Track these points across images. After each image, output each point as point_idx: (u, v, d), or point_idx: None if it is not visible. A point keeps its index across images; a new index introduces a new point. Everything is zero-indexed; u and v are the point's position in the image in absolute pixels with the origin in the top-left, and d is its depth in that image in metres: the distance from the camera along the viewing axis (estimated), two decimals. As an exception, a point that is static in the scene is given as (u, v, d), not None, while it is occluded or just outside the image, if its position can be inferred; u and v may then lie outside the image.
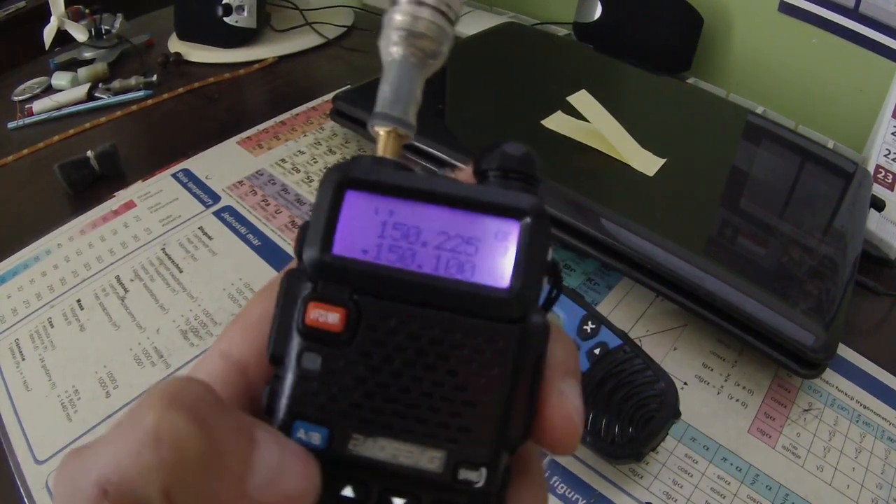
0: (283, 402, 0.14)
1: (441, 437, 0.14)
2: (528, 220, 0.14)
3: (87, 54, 0.76)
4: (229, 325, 0.16)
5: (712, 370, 0.41)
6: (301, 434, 0.14)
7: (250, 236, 0.51)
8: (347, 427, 0.14)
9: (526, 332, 0.14)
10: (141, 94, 0.69)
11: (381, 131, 0.16)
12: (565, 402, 0.15)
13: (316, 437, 0.14)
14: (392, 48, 0.17)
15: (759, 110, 0.68)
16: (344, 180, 0.14)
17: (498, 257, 0.14)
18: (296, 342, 0.14)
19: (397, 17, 0.17)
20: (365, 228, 0.14)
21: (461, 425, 0.14)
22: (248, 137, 0.62)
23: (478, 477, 0.14)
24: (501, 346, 0.14)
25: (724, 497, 0.35)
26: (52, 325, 0.44)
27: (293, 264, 0.16)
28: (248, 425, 0.13)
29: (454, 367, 0.14)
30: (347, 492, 0.14)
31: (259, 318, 0.15)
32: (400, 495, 0.14)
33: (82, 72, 0.72)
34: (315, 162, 0.58)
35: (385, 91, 0.16)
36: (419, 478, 0.14)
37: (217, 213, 0.53)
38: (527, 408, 0.14)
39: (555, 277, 0.16)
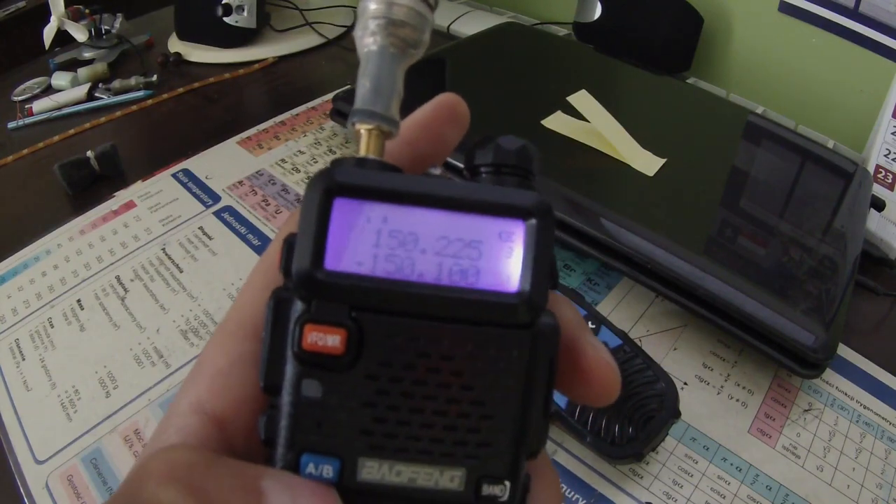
0: (286, 434, 0.13)
1: (460, 455, 0.13)
2: (533, 218, 0.14)
3: (87, 54, 0.75)
4: (194, 374, 0.15)
5: (712, 370, 0.41)
6: (311, 469, 0.13)
7: (250, 236, 0.51)
8: (359, 455, 0.13)
9: (537, 335, 0.14)
10: (141, 94, 0.69)
11: (363, 129, 0.15)
12: (598, 350, 0.15)
13: (327, 470, 0.13)
14: (369, 38, 0.15)
15: (759, 110, 0.68)
16: (331, 187, 0.13)
17: (503, 259, 0.14)
18: (293, 369, 0.13)
19: (372, 6, 0.15)
20: (358, 238, 0.13)
21: (480, 440, 0.13)
22: (248, 137, 0.62)
23: (501, 491, 0.13)
24: (515, 354, 0.13)
25: (724, 497, 0.35)
26: (52, 325, 0.44)
27: (257, 279, 0.15)
28: (251, 478, 0.12)
29: (468, 381, 0.13)
30: None
31: (228, 365, 0.14)
32: None
33: (82, 72, 0.72)
34: (315, 162, 0.58)
35: (364, 85, 0.15)
36: (441, 499, 0.13)
37: (217, 213, 0.53)
38: (544, 411, 0.14)
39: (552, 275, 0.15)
